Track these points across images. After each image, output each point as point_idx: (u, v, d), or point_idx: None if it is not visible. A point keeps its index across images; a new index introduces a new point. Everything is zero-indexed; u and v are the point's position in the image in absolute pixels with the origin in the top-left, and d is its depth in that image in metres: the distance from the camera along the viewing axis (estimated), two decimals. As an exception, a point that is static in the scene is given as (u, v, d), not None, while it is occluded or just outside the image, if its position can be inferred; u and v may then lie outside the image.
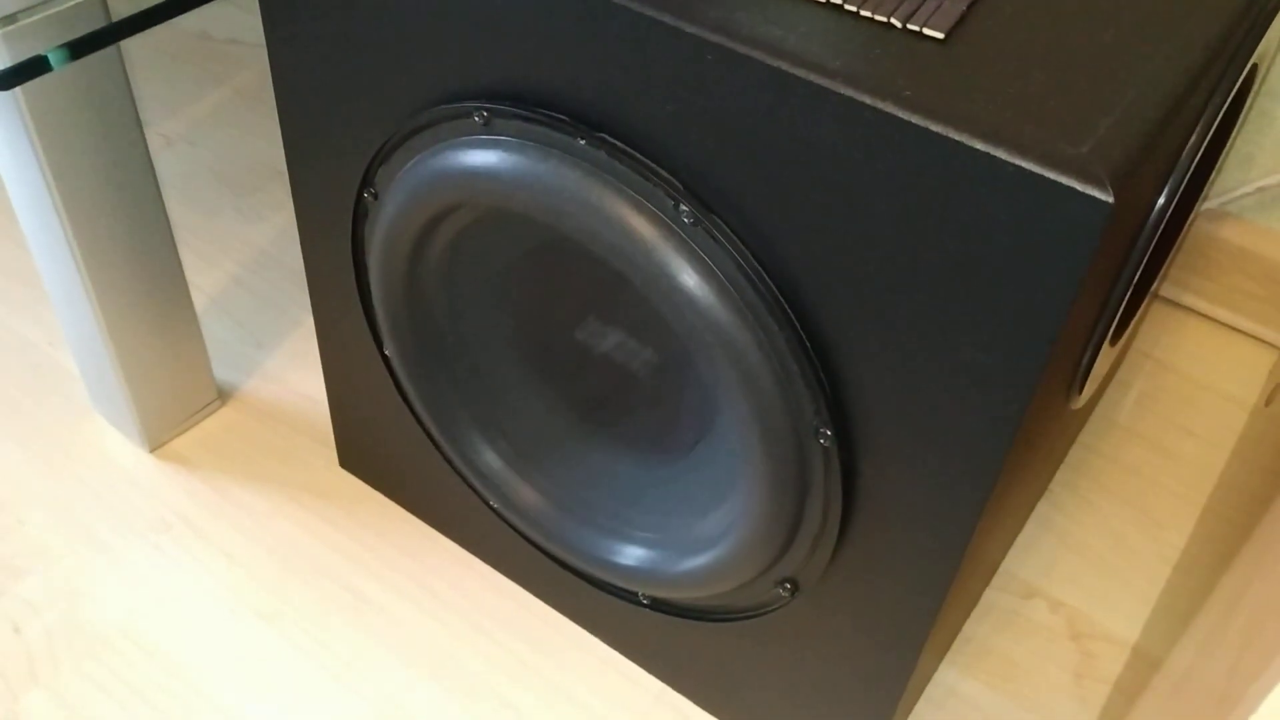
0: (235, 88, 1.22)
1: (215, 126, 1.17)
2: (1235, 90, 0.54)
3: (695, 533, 0.62)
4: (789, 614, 0.62)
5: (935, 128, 0.41)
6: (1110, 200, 0.39)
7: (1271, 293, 0.97)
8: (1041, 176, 0.40)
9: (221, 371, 0.92)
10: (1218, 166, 0.73)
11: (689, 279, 0.50)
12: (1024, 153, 0.40)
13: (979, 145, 0.41)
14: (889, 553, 0.55)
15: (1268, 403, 0.93)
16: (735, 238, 0.50)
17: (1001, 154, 0.40)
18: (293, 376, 0.92)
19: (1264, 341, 1.00)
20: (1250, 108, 0.85)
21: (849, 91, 0.43)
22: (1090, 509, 0.86)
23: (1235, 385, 0.97)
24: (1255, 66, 0.62)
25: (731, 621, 0.66)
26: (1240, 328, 1.01)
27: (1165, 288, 1.02)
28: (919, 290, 0.46)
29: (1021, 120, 0.42)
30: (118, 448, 0.86)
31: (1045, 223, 0.41)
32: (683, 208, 0.50)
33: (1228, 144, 0.71)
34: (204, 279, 1.00)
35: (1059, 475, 0.89)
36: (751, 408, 0.52)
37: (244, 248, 1.04)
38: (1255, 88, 0.68)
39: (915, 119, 0.42)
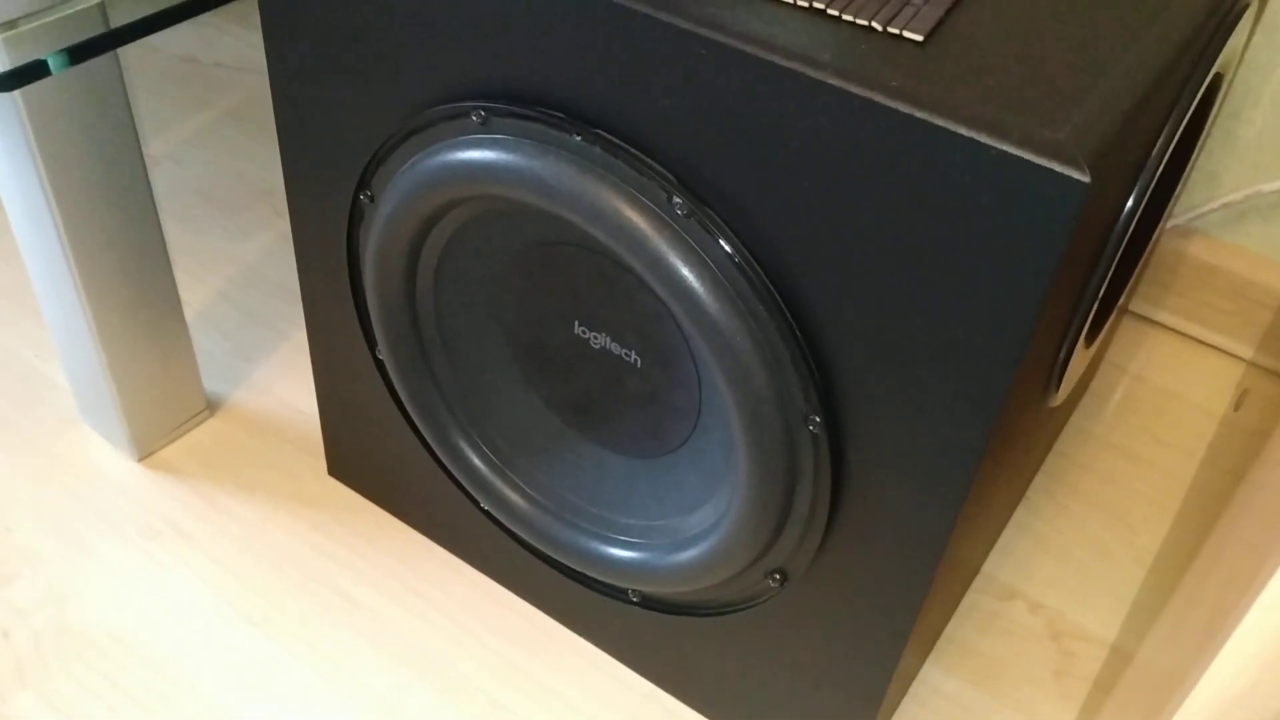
0: (222, 110, 1.24)
1: (201, 147, 1.18)
2: (1201, 93, 0.57)
3: (686, 525, 0.63)
4: (778, 606, 0.63)
5: (920, 115, 0.43)
6: (1087, 180, 0.41)
7: (1239, 306, 1.00)
8: (1022, 159, 0.42)
9: (209, 383, 0.93)
10: (1184, 179, 0.76)
11: (683, 269, 0.52)
12: (1005, 137, 0.42)
13: (963, 131, 0.43)
14: (876, 539, 0.57)
15: (1236, 407, 0.95)
16: (727, 228, 0.52)
17: (984, 139, 0.42)
18: (280, 388, 0.93)
19: (1231, 354, 1.03)
20: (1214, 122, 0.88)
21: (838, 82, 0.45)
22: (1067, 515, 0.88)
23: (1205, 396, 0.99)
24: (1219, 75, 0.65)
25: (721, 615, 0.67)
26: (1209, 341, 1.03)
27: (1137, 304, 1.05)
28: (905, 275, 0.48)
29: (1001, 109, 0.44)
30: (105, 456, 0.86)
31: (1026, 204, 0.43)
32: (676, 200, 0.52)
33: (1193, 156, 0.74)
34: (192, 294, 1.01)
35: (1037, 483, 0.90)
36: (743, 396, 0.53)
37: (231, 264, 1.05)
38: (1219, 99, 0.71)
39: (902, 107, 0.44)
